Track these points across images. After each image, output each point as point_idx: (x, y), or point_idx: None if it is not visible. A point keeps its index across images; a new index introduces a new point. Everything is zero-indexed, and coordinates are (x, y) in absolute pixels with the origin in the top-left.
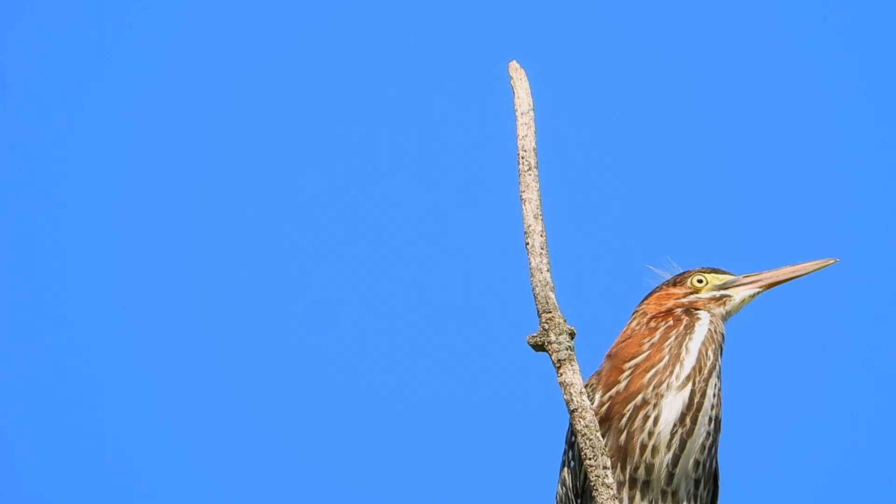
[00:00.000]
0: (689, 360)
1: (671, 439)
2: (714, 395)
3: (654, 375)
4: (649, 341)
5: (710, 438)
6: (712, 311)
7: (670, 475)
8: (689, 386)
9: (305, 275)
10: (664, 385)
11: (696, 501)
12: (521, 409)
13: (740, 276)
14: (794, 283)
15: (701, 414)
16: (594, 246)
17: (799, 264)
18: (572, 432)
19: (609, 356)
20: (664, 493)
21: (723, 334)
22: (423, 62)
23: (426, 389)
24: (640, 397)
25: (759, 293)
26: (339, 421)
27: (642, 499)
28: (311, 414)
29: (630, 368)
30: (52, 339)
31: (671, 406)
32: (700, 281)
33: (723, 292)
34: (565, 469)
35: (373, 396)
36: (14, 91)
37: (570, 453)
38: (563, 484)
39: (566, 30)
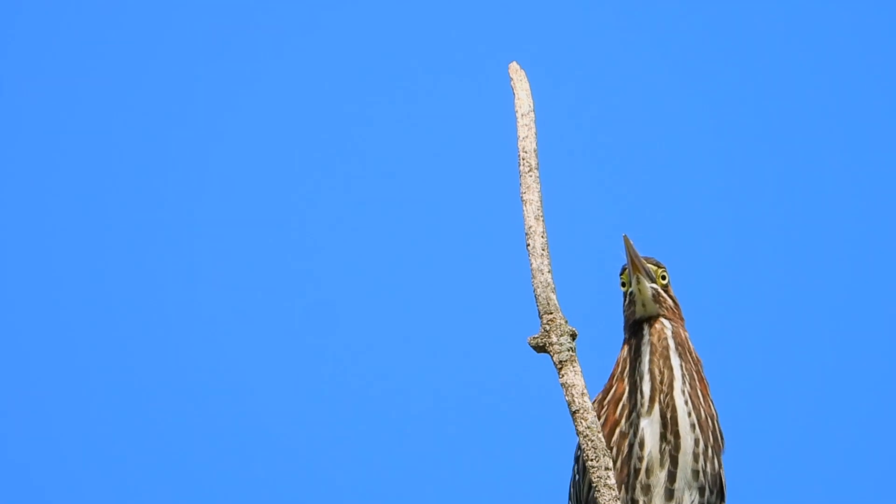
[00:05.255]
0: (645, 385)
1: (662, 458)
2: (686, 402)
3: (622, 407)
4: (615, 375)
5: (702, 443)
6: (641, 315)
7: (670, 492)
8: (657, 406)
9: (306, 276)
10: (634, 413)
11: None
12: (522, 410)
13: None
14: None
15: (680, 427)
16: (595, 247)
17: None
18: (578, 445)
19: None
20: None
21: (668, 337)
22: (423, 63)
23: (427, 391)
24: (618, 430)
25: (638, 279)
26: (340, 423)
27: None
28: (312, 415)
29: (606, 405)
30: (51, 341)
31: (649, 429)
32: (623, 285)
33: (629, 290)
34: (571, 483)
35: (373, 398)
36: (11, 89)
37: (576, 467)
38: (570, 498)
39: (566, 31)
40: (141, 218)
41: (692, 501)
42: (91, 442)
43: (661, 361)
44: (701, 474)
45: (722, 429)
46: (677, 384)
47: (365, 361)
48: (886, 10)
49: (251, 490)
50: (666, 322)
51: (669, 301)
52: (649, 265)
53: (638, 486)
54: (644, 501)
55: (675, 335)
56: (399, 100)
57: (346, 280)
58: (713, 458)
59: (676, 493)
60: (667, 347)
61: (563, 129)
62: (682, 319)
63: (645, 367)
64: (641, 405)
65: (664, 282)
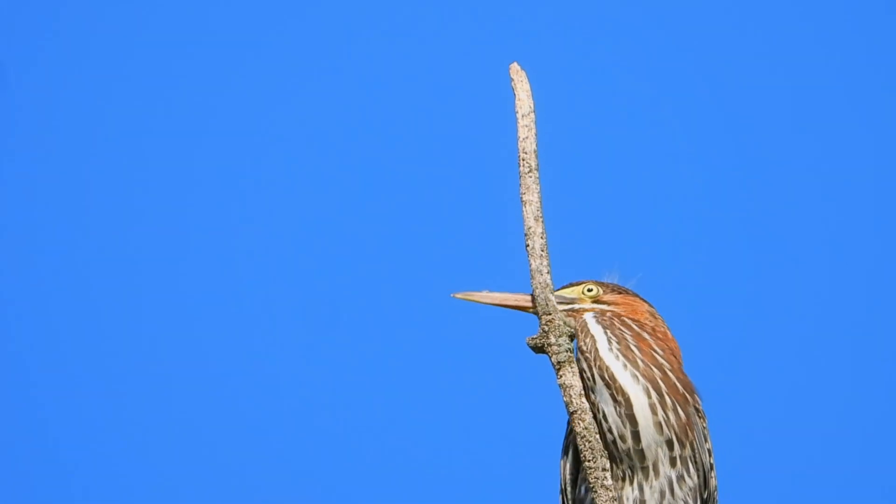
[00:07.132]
0: (583, 364)
1: (622, 422)
2: (618, 357)
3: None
4: None
5: (654, 393)
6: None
7: (640, 452)
8: (596, 373)
9: (304, 278)
10: (591, 394)
11: (672, 465)
12: (520, 411)
13: None
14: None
15: (620, 381)
16: (595, 248)
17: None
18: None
19: None
20: (644, 469)
21: (586, 316)
22: (423, 64)
23: (424, 391)
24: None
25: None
26: (335, 425)
27: (630, 484)
28: (309, 417)
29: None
30: (49, 343)
31: (602, 400)
32: None
33: None
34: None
35: (370, 399)
36: (14, 87)
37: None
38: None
39: (567, 31)
40: (129, 217)
41: (665, 456)
42: (86, 445)
43: (583, 335)
44: (664, 426)
45: (689, 380)
46: (601, 345)
47: (361, 361)
48: (884, 12)
49: (249, 495)
50: (588, 313)
51: (602, 306)
52: (562, 291)
53: (625, 460)
54: (625, 472)
55: (600, 315)
56: (399, 99)
57: (343, 280)
58: (674, 407)
59: (646, 453)
60: (585, 324)
61: (564, 130)
62: (641, 313)
63: (581, 352)
64: (590, 380)
65: (591, 293)
